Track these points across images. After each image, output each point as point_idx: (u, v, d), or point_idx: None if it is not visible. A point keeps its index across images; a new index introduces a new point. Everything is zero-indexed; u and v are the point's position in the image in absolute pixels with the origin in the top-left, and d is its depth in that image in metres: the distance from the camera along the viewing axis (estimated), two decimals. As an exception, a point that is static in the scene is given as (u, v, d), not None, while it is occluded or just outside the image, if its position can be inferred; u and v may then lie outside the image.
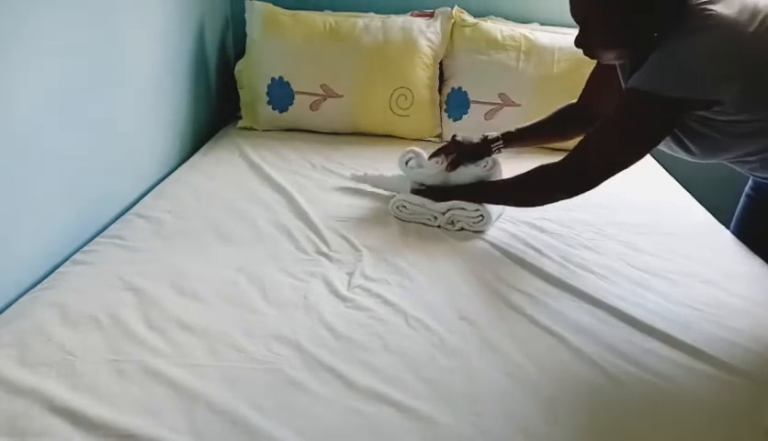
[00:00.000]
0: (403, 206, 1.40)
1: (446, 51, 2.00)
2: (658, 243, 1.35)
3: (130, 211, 1.39)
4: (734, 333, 1.04)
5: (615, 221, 1.44)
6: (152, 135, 1.63)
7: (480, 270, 1.21)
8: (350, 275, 1.16)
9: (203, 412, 0.81)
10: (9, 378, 0.84)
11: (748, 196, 1.41)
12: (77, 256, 1.19)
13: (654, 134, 1.10)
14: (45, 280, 1.11)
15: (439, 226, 1.37)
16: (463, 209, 1.34)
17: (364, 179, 1.55)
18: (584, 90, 1.41)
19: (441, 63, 2.01)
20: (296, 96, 1.94)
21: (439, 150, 1.44)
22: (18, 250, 1.09)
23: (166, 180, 1.59)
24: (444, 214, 1.36)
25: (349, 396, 0.85)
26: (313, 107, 1.94)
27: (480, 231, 1.35)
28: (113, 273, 1.11)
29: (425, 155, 1.44)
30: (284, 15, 1.97)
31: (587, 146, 1.17)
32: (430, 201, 1.37)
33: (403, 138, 1.98)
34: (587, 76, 1.41)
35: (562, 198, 1.25)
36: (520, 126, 1.48)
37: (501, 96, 1.94)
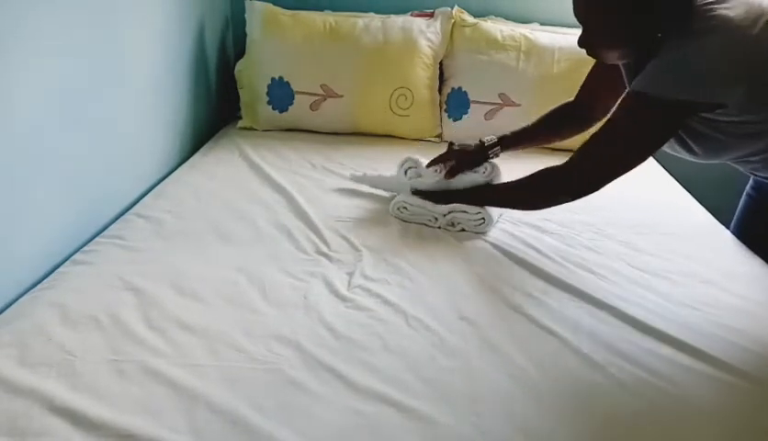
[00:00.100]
0: (404, 207, 1.40)
1: (446, 51, 1.99)
2: (658, 243, 1.35)
3: (130, 211, 1.39)
4: (734, 333, 1.04)
5: (615, 221, 1.44)
6: (152, 135, 1.63)
7: (480, 270, 1.21)
8: (350, 275, 1.16)
9: (203, 412, 0.81)
10: (9, 378, 0.84)
11: (748, 195, 1.40)
12: (77, 256, 1.19)
13: (657, 137, 1.10)
14: (45, 280, 1.11)
15: (440, 227, 1.37)
16: (464, 211, 1.35)
17: (363, 180, 1.55)
18: (582, 88, 1.41)
19: (441, 63, 2.01)
20: (296, 96, 1.94)
21: (437, 158, 1.43)
22: (18, 250, 1.09)
23: (166, 180, 1.59)
24: (445, 216, 1.36)
25: (349, 396, 0.85)
26: (313, 107, 1.94)
27: (482, 233, 1.35)
28: (113, 273, 1.11)
29: (424, 164, 1.43)
30: (284, 15, 1.97)
31: (590, 149, 1.16)
32: (431, 203, 1.37)
33: (403, 138, 1.98)
34: (587, 75, 1.41)
35: (565, 202, 1.25)
36: (516, 128, 1.47)
37: (501, 95, 1.94)
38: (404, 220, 1.39)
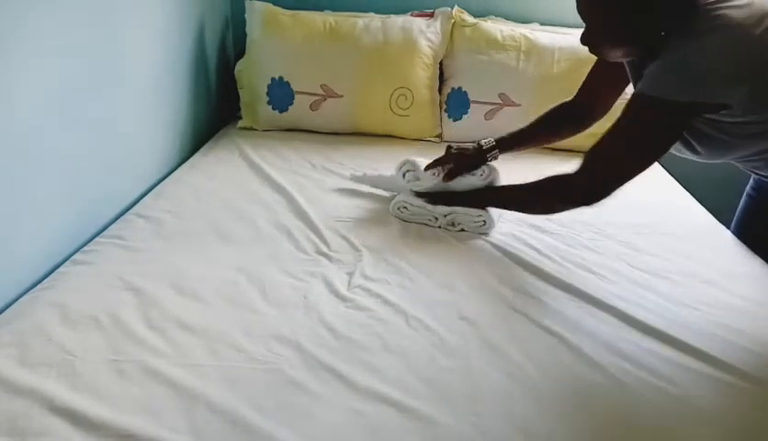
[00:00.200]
0: (404, 207, 1.40)
1: (446, 51, 2.00)
2: (658, 243, 1.35)
3: (130, 211, 1.39)
4: (734, 333, 1.04)
5: (615, 221, 1.44)
6: (152, 135, 1.63)
7: (480, 270, 1.21)
8: (350, 275, 1.16)
9: (203, 412, 0.81)
10: (9, 378, 0.84)
11: (749, 195, 1.40)
12: (77, 256, 1.19)
13: (663, 139, 1.09)
14: (45, 280, 1.11)
15: (440, 227, 1.37)
16: (465, 212, 1.34)
17: (363, 179, 1.55)
18: (583, 87, 1.41)
19: (441, 63, 2.01)
20: (296, 96, 1.94)
21: (435, 161, 1.42)
22: (18, 250, 1.09)
23: (166, 180, 1.59)
24: (445, 216, 1.36)
25: (349, 396, 0.85)
26: (313, 107, 1.94)
27: (482, 234, 1.35)
28: (113, 273, 1.11)
29: (422, 167, 1.42)
30: (284, 15, 1.97)
31: (597, 155, 1.14)
32: (418, 198, 1.38)
33: (403, 138, 1.98)
34: (587, 74, 1.41)
35: (575, 208, 1.23)
36: (513, 130, 1.46)
37: (501, 95, 1.95)
38: (404, 220, 1.39)
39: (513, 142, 1.45)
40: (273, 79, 1.93)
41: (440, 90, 2.01)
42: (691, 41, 1.01)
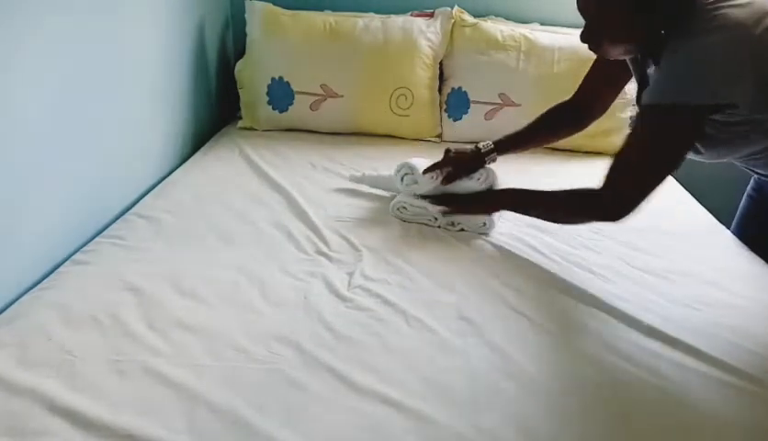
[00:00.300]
0: (404, 207, 1.40)
1: (446, 51, 1.99)
2: (658, 243, 1.35)
3: (130, 211, 1.39)
4: (734, 333, 1.04)
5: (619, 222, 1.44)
6: (153, 135, 1.63)
7: (480, 270, 1.21)
8: (350, 275, 1.16)
9: (203, 412, 0.81)
10: (9, 378, 0.84)
11: (749, 196, 1.40)
12: (77, 256, 1.19)
13: (681, 145, 1.07)
14: (45, 280, 1.11)
15: (440, 227, 1.37)
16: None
17: (362, 180, 1.55)
18: (583, 85, 1.40)
19: (441, 63, 2.01)
20: (296, 96, 1.94)
21: (433, 165, 1.42)
22: (18, 250, 1.09)
23: (166, 180, 1.59)
24: (444, 216, 1.36)
25: (349, 396, 0.85)
26: (313, 107, 1.94)
27: (482, 234, 1.35)
28: (113, 273, 1.11)
29: (420, 170, 1.41)
30: (284, 15, 1.97)
31: (618, 172, 1.11)
32: (431, 204, 1.37)
33: (403, 138, 1.98)
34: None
35: (596, 222, 1.22)
36: (512, 131, 1.45)
37: (501, 95, 1.95)
38: (404, 220, 1.39)
39: (511, 144, 1.44)
40: (273, 79, 1.93)
41: (440, 90, 2.01)
42: (692, 41, 1.01)
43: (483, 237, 1.33)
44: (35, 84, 1.10)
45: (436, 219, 1.37)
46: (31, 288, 1.10)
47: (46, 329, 0.95)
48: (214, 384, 0.86)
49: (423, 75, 1.95)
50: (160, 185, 1.56)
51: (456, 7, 2.03)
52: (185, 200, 1.44)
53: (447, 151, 1.44)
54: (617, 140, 1.91)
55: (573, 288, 1.15)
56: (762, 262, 1.29)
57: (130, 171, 1.50)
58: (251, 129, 1.99)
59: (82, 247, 1.23)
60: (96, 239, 1.26)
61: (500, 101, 1.95)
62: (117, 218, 1.38)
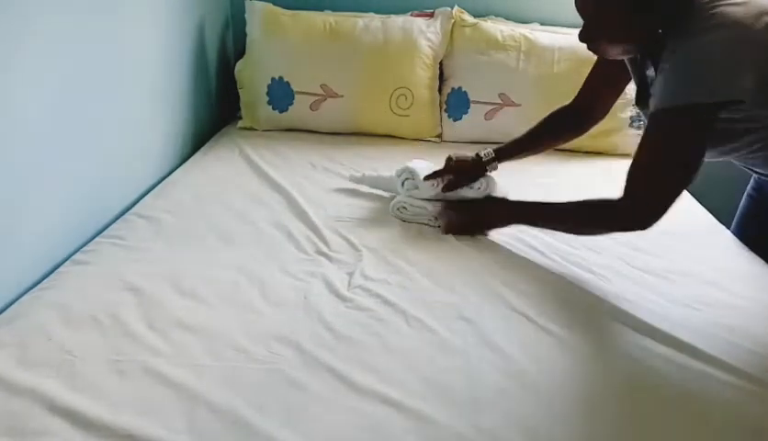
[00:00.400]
0: (403, 207, 1.39)
1: (446, 51, 1.99)
2: (658, 243, 1.35)
3: (130, 211, 1.39)
4: (734, 333, 1.04)
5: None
6: (153, 135, 1.63)
7: (480, 270, 1.21)
8: (350, 275, 1.16)
9: (203, 412, 0.81)
10: (9, 378, 0.84)
11: (749, 196, 1.40)
12: (77, 256, 1.19)
13: (696, 147, 1.05)
14: (45, 280, 1.11)
15: (440, 226, 1.37)
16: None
17: (362, 180, 1.55)
18: (584, 88, 1.40)
19: (441, 63, 2.01)
20: (296, 96, 1.94)
21: (435, 173, 1.41)
22: (18, 250, 1.09)
23: (166, 180, 1.59)
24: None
25: (349, 396, 0.85)
26: (313, 107, 1.94)
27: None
28: (113, 273, 1.11)
29: (421, 175, 1.41)
30: (284, 15, 1.97)
31: (636, 182, 1.09)
32: (431, 204, 1.37)
33: (403, 138, 1.98)
34: (587, 75, 1.41)
35: (619, 233, 1.21)
36: (512, 139, 1.45)
37: (501, 95, 1.95)
38: (404, 220, 1.39)
39: (512, 151, 1.44)
40: (273, 79, 1.94)
41: (440, 90, 2.01)
42: (691, 41, 1.01)
43: (483, 237, 1.33)
44: (35, 84, 1.10)
45: (436, 218, 1.37)
46: (31, 288, 1.10)
47: (46, 329, 0.95)
48: (214, 384, 0.86)
49: (423, 75, 1.95)
50: (160, 185, 1.56)
51: (456, 7, 2.03)
52: (185, 200, 1.44)
53: (449, 159, 1.44)
54: (617, 140, 1.92)
55: (573, 288, 1.15)
56: (762, 262, 1.29)
57: (130, 171, 1.50)
58: (251, 129, 1.99)
59: (82, 247, 1.23)
60: (96, 239, 1.26)
61: (500, 101, 1.95)
62: (117, 218, 1.38)
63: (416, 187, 1.41)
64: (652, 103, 1.08)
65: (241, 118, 2.03)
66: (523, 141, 1.45)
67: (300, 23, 1.94)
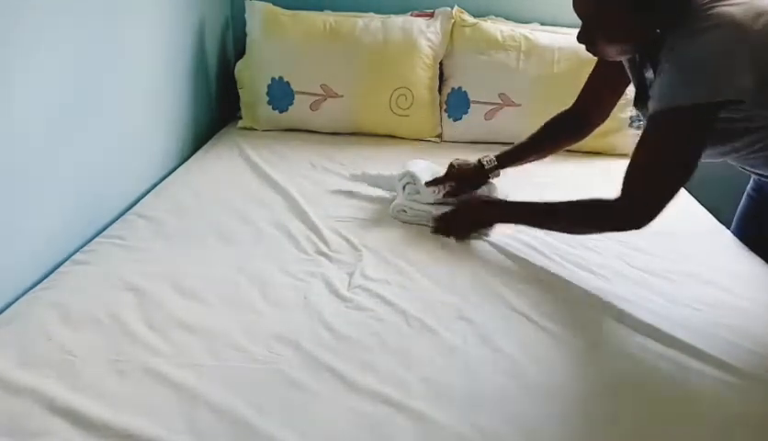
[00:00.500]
0: (403, 210, 1.39)
1: (446, 51, 1.99)
2: (658, 243, 1.35)
3: (130, 211, 1.39)
4: (734, 333, 1.04)
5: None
6: (152, 135, 1.63)
7: (480, 270, 1.21)
8: (350, 275, 1.16)
9: (203, 412, 0.81)
10: (9, 378, 0.84)
11: (749, 196, 1.40)
12: (77, 256, 1.19)
13: (694, 148, 1.05)
14: (45, 280, 1.11)
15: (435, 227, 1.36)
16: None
17: (362, 178, 1.55)
18: (581, 95, 1.40)
19: (441, 63, 2.01)
20: (296, 96, 1.94)
21: (436, 180, 1.41)
22: (18, 250, 1.09)
23: (166, 180, 1.59)
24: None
25: (349, 396, 0.85)
26: (313, 107, 1.94)
27: (483, 235, 1.34)
28: (113, 273, 1.11)
29: (422, 180, 1.41)
30: (284, 15, 1.97)
31: (633, 181, 1.09)
32: (434, 207, 1.37)
33: (403, 138, 1.98)
34: (587, 76, 1.41)
35: (615, 232, 1.21)
36: (513, 145, 1.45)
37: (501, 96, 1.95)
38: (404, 222, 1.39)
39: (514, 157, 1.44)
40: (273, 79, 1.93)
41: (440, 90, 2.01)
42: (689, 41, 1.01)
43: (483, 238, 1.33)
44: (35, 85, 1.10)
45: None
46: (31, 288, 1.10)
47: (46, 329, 0.95)
48: (214, 384, 0.86)
49: (423, 75, 1.95)
50: (160, 184, 1.56)
51: (456, 7, 2.03)
52: (185, 200, 1.44)
53: (451, 165, 1.44)
54: (616, 140, 1.92)
55: (573, 288, 1.15)
56: (762, 262, 1.29)
57: (130, 171, 1.50)
58: (251, 129, 1.99)
59: (82, 247, 1.23)
60: (96, 239, 1.26)
61: (500, 101, 1.95)
62: (117, 218, 1.38)
63: (417, 192, 1.40)
64: (651, 104, 1.08)
65: (241, 117, 2.03)
66: (524, 147, 1.45)
67: (300, 23, 1.94)
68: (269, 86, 1.94)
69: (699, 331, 1.03)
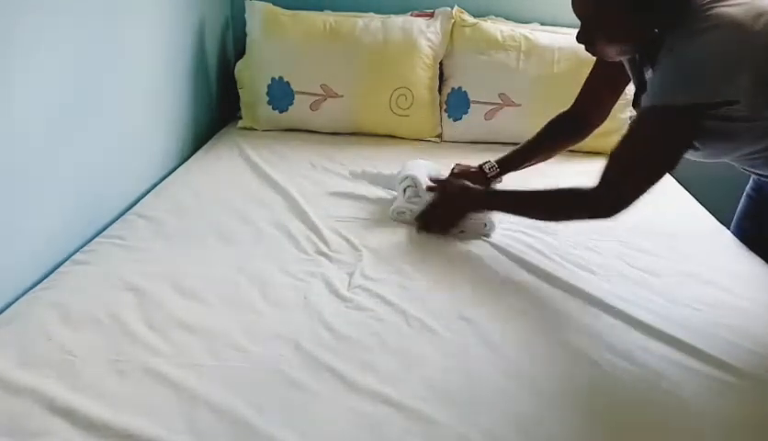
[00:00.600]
0: (402, 212, 1.39)
1: (446, 51, 1.99)
2: (658, 243, 1.35)
3: (130, 211, 1.39)
4: (734, 333, 1.04)
5: (616, 222, 1.43)
6: (152, 135, 1.63)
7: (480, 270, 1.21)
8: (350, 275, 1.16)
9: (203, 412, 0.81)
10: (9, 378, 0.84)
11: (749, 196, 1.40)
12: (77, 256, 1.19)
13: (676, 147, 1.06)
14: (45, 280, 1.11)
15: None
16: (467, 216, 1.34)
17: (362, 176, 1.55)
18: (580, 96, 1.40)
19: (441, 63, 2.01)
20: (296, 96, 1.94)
21: (439, 184, 1.42)
22: (18, 250, 1.09)
23: (166, 180, 1.59)
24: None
25: (349, 396, 0.85)
26: (313, 107, 1.94)
27: (483, 236, 1.34)
28: (113, 273, 1.11)
29: (422, 181, 1.40)
30: (284, 15, 1.97)
31: (612, 171, 1.12)
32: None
33: (403, 138, 1.98)
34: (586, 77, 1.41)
35: (590, 220, 1.22)
36: (513, 149, 1.45)
37: (501, 96, 1.95)
38: (404, 222, 1.39)
39: (516, 162, 1.44)
40: (273, 79, 1.93)
41: (440, 90, 2.01)
42: (688, 41, 1.01)
43: (484, 238, 1.33)
44: (35, 85, 1.10)
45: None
46: (31, 288, 1.10)
47: (46, 329, 0.95)
48: (214, 384, 0.86)
49: (423, 75, 1.95)
50: (160, 185, 1.56)
51: (456, 7, 2.03)
52: (185, 200, 1.44)
53: (453, 171, 1.44)
54: (616, 140, 1.91)
55: (573, 288, 1.15)
56: (762, 262, 1.29)
57: (130, 171, 1.50)
58: (251, 129, 1.99)
59: (82, 247, 1.23)
60: (96, 239, 1.26)
61: (500, 101, 1.95)
62: (117, 218, 1.38)
63: (418, 196, 1.40)
64: (644, 99, 1.08)
65: (241, 117, 2.03)
66: (524, 151, 1.45)
67: (300, 23, 1.94)
68: (269, 86, 1.94)
69: (699, 331, 1.03)
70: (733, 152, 1.15)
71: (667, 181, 1.78)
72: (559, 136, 1.45)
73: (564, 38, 1.93)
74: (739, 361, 0.96)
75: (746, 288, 1.19)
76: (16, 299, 1.06)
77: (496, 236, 1.34)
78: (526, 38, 1.95)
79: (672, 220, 1.50)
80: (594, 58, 1.28)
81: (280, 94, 1.94)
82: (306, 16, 1.97)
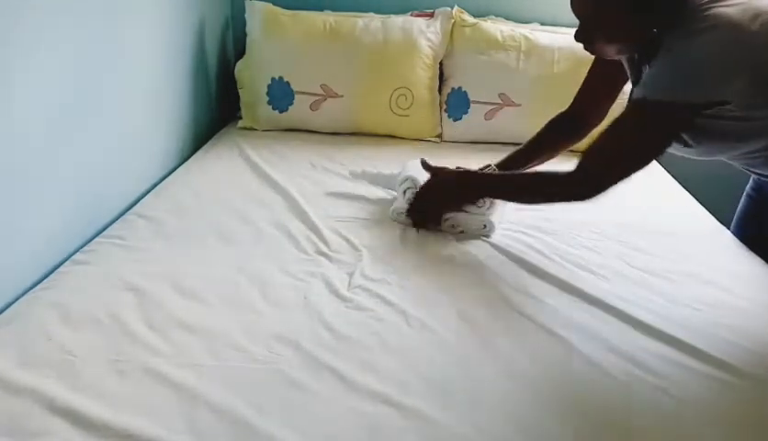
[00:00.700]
0: (402, 213, 1.39)
1: (446, 51, 1.99)
2: (658, 243, 1.35)
3: (130, 211, 1.39)
4: (734, 333, 1.04)
5: (615, 221, 1.44)
6: (152, 135, 1.63)
7: (480, 270, 1.21)
8: (350, 275, 1.16)
9: (203, 412, 0.81)
10: (9, 378, 0.84)
11: (749, 196, 1.40)
12: (77, 256, 1.19)
13: (660, 142, 1.09)
14: (45, 280, 1.11)
15: (440, 229, 1.36)
16: (467, 217, 1.34)
17: (362, 176, 1.55)
18: (578, 96, 1.41)
19: (441, 63, 2.01)
20: (296, 96, 1.94)
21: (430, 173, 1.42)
22: (18, 250, 1.09)
23: (166, 180, 1.59)
24: (445, 221, 1.35)
25: (349, 396, 0.85)
26: (313, 107, 1.94)
27: (483, 236, 1.34)
28: (113, 273, 1.11)
29: (422, 182, 1.41)
30: (284, 15, 1.97)
31: (593, 157, 1.15)
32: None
33: (403, 138, 1.98)
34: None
35: (566, 203, 1.25)
36: (512, 152, 1.45)
37: (501, 96, 1.95)
38: (404, 223, 1.39)
39: (516, 165, 1.43)
40: (273, 79, 1.94)
41: (440, 90, 2.01)
42: (686, 40, 1.01)
43: (484, 238, 1.33)
44: (35, 85, 1.10)
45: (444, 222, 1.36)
46: (31, 288, 1.10)
47: (46, 329, 0.95)
48: (214, 384, 0.86)
49: (423, 75, 1.95)
50: (160, 185, 1.56)
51: (456, 7, 2.03)
52: (185, 200, 1.44)
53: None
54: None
55: (573, 288, 1.15)
56: (762, 262, 1.29)
57: (130, 171, 1.50)
58: (251, 129, 1.99)
59: (82, 247, 1.23)
60: (96, 239, 1.26)
61: (500, 101, 1.95)
62: (117, 218, 1.38)
63: None
64: (636, 91, 1.09)
65: (241, 117, 2.03)
66: (523, 153, 1.45)
67: (300, 23, 1.94)
68: (269, 86, 1.94)
69: (699, 331, 1.03)
70: (729, 151, 1.15)
71: (667, 181, 1.79)
72: (558, 137, 1.46)
73: (564, 38, 1.93)
74: (739, 361, 0.96)
75: (746, 288, 1.19)
76: (16, 299, 1.06)
77: (496, 236, 1.34)
78: (526, 38, 1.95)
79: (671, 220, 1.50)
80: (593, 56, 1.28)
81: (280, 94, 1.94)
82: (306, 17, 1.97)
